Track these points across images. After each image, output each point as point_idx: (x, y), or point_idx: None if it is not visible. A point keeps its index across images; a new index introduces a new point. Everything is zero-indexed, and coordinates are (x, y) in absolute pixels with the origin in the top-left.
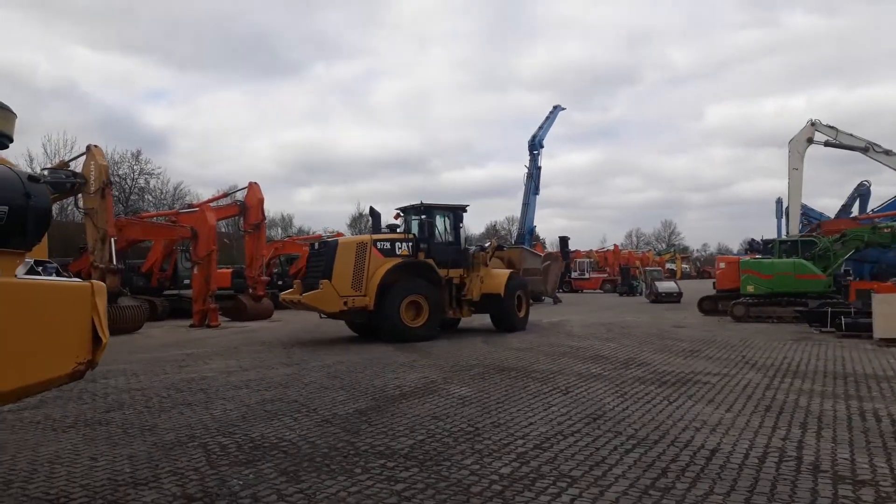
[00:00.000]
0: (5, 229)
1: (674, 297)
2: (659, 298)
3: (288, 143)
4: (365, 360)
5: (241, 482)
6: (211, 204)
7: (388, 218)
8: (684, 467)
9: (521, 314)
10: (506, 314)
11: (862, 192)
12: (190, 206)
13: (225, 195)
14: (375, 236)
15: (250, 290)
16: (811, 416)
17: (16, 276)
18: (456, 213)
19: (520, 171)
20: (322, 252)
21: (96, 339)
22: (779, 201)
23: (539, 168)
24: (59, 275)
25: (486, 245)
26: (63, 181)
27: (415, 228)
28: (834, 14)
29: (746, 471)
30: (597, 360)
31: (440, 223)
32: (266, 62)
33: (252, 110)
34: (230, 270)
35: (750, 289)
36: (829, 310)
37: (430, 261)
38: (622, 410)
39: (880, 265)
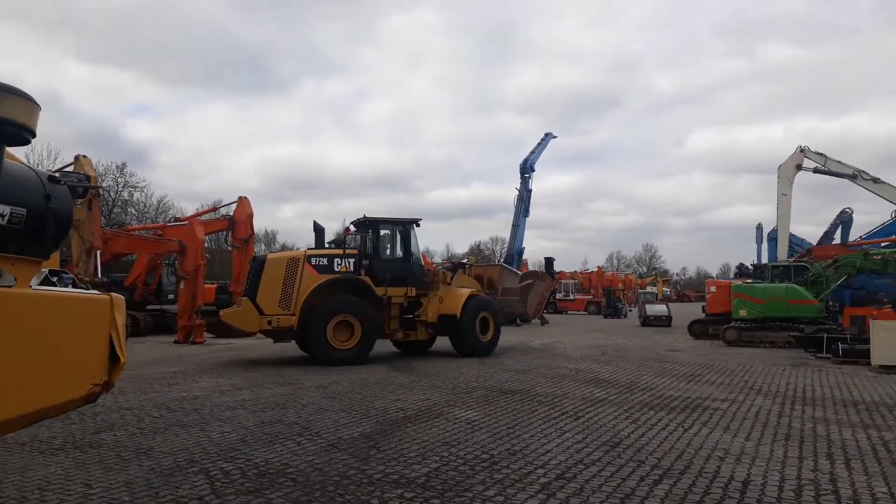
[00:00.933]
0: (23, 234)
1: (662, 321)
2: (647, 322)
3: (274, 158)
4: (361, 381)
5: None
6: (199, 218)
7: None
8: (720, 501)
9: (487, 338)
10: (463, 337)
11: (844, 220)
12: (177, 219)
13: (213, 209)
14: (311, 251)
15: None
16: (834, 447)
17: (31, 287)
18: (405, 227)
19: (505, 192)
20: (251, 268)
21: (113, 358)
22: (759, 227)
23: (530, 191)
24: (75, 286)
25: (464, 262)
26: (75, 185)
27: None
28: (812, 46)
29: None
30: (598, 384)
31: (387, 238)
32: (256, 77)
33: (240, 125)
34: (215, 286)
35: (742, 313)
36: (826, 336)
37: (366, 278)
38: (639, 438)
39: (864, 291)
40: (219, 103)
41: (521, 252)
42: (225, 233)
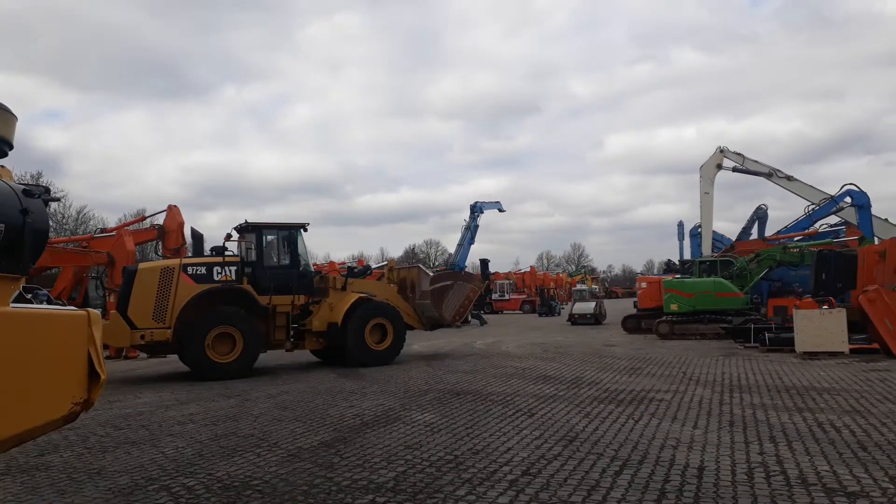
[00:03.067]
0: (1, 250)
1: (588, 319)
2: (574, 320)
3: (194, 165)
4: (311, 389)
5: None
6: (127, 228)
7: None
8: (680, 487)
9: (384, 346)
10: (347, 346)
11: (760, 215)
12: (103, 230)
13: (141, 219)
14: (187, 260)
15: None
16: (775, 430)
17: (9, 305)
18: (291, 232)
19: (434, 196)
20: (123, 279)
21: (92, 375)
22: (680, 224)
23: (477, 226)
24: (49, 302)
25: (376, 266)
26: (44, 197)
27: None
28: (717, 53)
29: (741, 488)
30: (546, 381)
31: (271, 244)
32: (171, 83)
33: (156, 132)
34: None
35: (674, 307)
36: (753, 326)
37: (248, 287)
38: (594, 431)
39: (781, 283)
40: (132, 110)
41: (462, 268)
42: (154, 243)
